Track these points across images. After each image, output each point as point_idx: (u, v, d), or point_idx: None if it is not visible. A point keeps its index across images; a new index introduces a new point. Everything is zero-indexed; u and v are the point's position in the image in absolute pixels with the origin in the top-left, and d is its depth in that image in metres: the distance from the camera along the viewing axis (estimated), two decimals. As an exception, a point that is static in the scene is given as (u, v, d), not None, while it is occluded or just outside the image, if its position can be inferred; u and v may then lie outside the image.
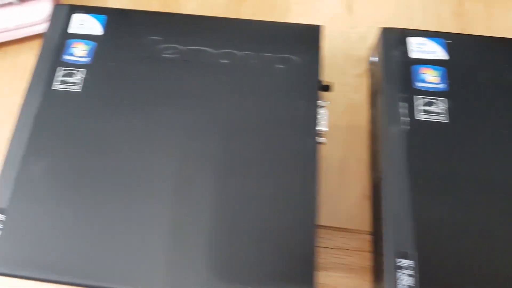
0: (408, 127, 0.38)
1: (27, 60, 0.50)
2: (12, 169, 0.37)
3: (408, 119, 0.38)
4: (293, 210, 0.35)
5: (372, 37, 0.49)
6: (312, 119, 0.38)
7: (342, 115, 0.45)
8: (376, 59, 0.44)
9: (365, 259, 0.40)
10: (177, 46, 0.41)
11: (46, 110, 0.39)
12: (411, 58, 0.40)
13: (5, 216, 0.36)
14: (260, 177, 0.36)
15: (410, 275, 0.34)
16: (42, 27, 0.49)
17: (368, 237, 0.41)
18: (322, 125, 0.38)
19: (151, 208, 0.35)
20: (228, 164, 0.37)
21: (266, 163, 0.37)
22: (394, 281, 0.34)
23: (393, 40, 0.41)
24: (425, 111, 0.38)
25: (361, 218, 0.42)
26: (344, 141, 0.44)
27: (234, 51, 0.41)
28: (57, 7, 0.44)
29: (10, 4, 0.48)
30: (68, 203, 0.36)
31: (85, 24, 0.43)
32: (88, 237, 0.35)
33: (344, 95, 0.46)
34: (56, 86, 0.40)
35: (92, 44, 0.42)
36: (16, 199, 0.36)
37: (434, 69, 0.40)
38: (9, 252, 0.34)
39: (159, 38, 0.42)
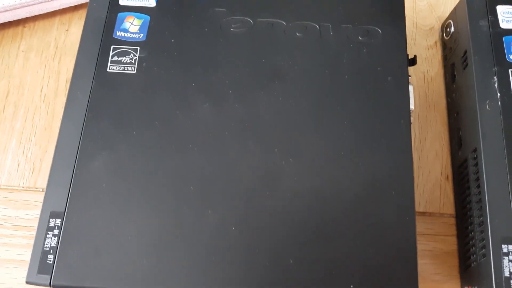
0: (504, 104, 0.35)
1: (59, 37, 0.45)
2: (66, 165, 0.32)
3: (499, 94, 0.36)
4: (391, 197, 0.32)
5: (442, 5, 0.45)
6: (405, 98, 0.34)
7: (416, 90, 0.42)
8: (452, 29, 0.41)
9: (450, 244, 0.38)
10: (245, 18, 0.37)
11: (100, 95, 0.35)
12: (502, 28, 0.37)
13: (61, 220, 0.31)
14: (351, 162, 0.33)
15: (510, 261, 0.32)
16: (76, -1, 0.44)
17: (451, 221, 0.39)
18: (411, 104, 0.35)
19: (229, 207, 0.31)
20: (314, 150, 0.33)
21: (356, 147, 0.33)
22: (501, 268, 0.32)
23: (479, 9, 0.38)
24: (520, 86, 0.36)
25: (443, 200, 0.39)
26: (420, 118, 0.41)
27: (310, 23, 0.37)
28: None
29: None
30: (133, 204, 0.31)
31: (135, -5, 0.38)
32: (157, 242, 0.31)
33: (416, 68, 0.43)
34: (108, 64, 0.36)
35: (145, 17, 0.38)
36: (74, 201, 0.31)
37: (523, 39, 0.37)
38: (68, 261, 0.30)
39: (223, 9, 0.37)
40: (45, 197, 0.31)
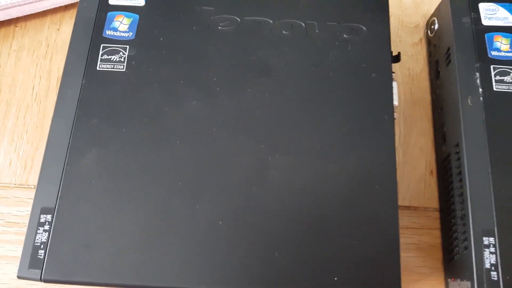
0: (486, 99, 0.36)
1: (50, 36, 0.45)
2: (56, 162, 0.33)
3: (481, 90, 0.36)
4: (374, 191, 0.33)
5: (426, 2, 0.46)
6: (388, 94, 0.35)
7: (401, 87, 0.43)
8: (436, 26, 0.42)
9: (435, 237, 0.39)
10: (233, 17, 0.38)
11: (90, 93, 0.35)
12: (484, 25, 0.38)
13: (52, 216, 0.32)
14: (335, 157, 0.34)
15: (492, 253, 0.33)
16: (67, -2, 0.44)
17: (435, 214, 0.40)
18: (395, 99, 0.36)
19: (217, 202, 0.32)
20: (299, 146, 0.34)
21: (341, 142, 0.34)
22: (482, 260, 0.33)
23: (462, 6, 0.39)
24: (501, 81, 0.36)
25: (427, 195, 0.40)
26: (405, 114, 0.42)
27: (296, 21, 0.37)
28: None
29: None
30: (123, 199, 0.32)
31: (123, -6, 0.39)
32: (146, 237, 0.31)
33: (401, 65, 0.43)
34: (98, 62, 0.36)
35: (134, 16, 0.38)
36: (65, 197, 0.32)
37: (505, 36, 0.38)
38: (59, 256, 0.31)
39: (211, 8, 0.38)
40: (36, 193, 0.32)
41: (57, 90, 0.41)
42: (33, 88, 0.43)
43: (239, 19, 0.38)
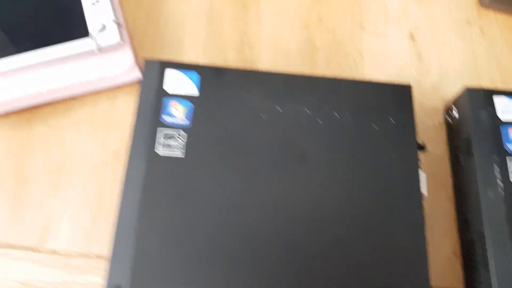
0: (506, 192, 0.40)
1: (106, 109, 0.50)
2: (126, 242, 0.38)
3: (500, 183, 0.40)
4: (407, 276, 0.37)
5: (444, 87, 0.51)
6: (415, 183, 0.40)
7: (423, 169, 0.47)
8: (456, 114, 0.47)
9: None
10: (275, 107, 0.43)
11: (153, 176, 0.40)
12: (499, 119, 0.42)
13: None
14: (368, 244, 0.38)
15: None
16: (124, 79, 0.49)
17: (461, 297, 0.43)
18: (423, 189, 0.40)
19: (272, 276, 0.37)
20: (332, 230, 0.39)
21: (373, 230, 0.39)
22: None
23: (480, 100, 0.43)
24: (516, 174, 0.41)
25: (452, 276, 0.43)
26: (428, 196, 0.46)
27: (331, 112, 0.42)
28: (149, 63, 0.45)
29: (90, 54, 0.48)
30: (190, 281, 0.37)
31: (179, 82, 0.44)
32: None
33: (425, 147, 0.48)
34: (159, 149, 0.41)
35: (189, 105, 0.43)
36: (136, 276, 0.36)
37: (520, 130, 0.42)
38: None
39: (257, 99, 0.43)
40: (108, 271, 0.36)
41: (113, 163, 0.46)
42: (91, 160, 0.47)
43: (281, 109, 0.43)
